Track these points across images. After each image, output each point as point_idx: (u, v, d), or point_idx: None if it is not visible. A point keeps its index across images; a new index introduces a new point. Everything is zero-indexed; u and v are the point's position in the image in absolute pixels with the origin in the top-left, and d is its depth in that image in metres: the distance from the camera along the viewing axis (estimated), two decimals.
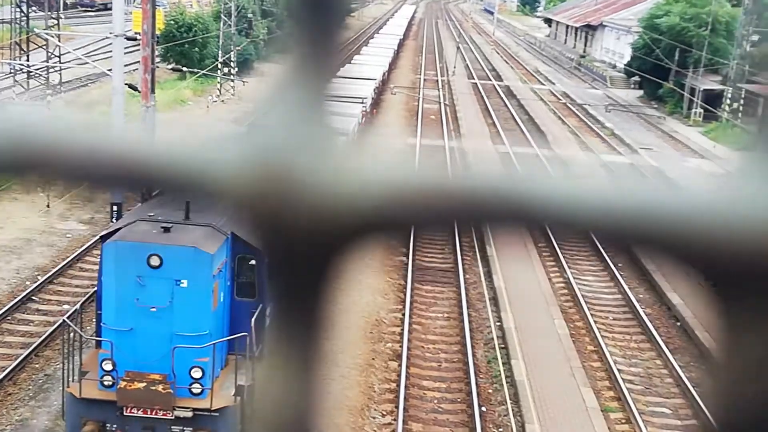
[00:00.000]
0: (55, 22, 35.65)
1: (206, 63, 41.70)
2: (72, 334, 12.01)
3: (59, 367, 13.86)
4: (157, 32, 27.34)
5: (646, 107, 50.79)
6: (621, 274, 22.17)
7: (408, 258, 22.25)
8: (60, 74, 34.01)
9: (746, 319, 0.53)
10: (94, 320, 13.02)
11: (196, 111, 38.74)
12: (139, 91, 21.43)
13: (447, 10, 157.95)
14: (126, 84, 22.40)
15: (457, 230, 0.57)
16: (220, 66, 41.61)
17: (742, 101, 43.18)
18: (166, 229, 11.82)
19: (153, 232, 11.84)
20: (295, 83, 0.56)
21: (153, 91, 21.24)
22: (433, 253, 23.30)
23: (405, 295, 19.85)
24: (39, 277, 19.03)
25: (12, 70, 34.04)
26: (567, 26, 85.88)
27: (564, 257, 23.11)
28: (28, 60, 33.77)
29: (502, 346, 17.48)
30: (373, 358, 16.65)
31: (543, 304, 19.93)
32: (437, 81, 56.06)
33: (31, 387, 14.67)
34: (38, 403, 14.12)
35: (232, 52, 41.87)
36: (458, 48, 69.06)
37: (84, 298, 16.66)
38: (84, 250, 20.62)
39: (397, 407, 14.73)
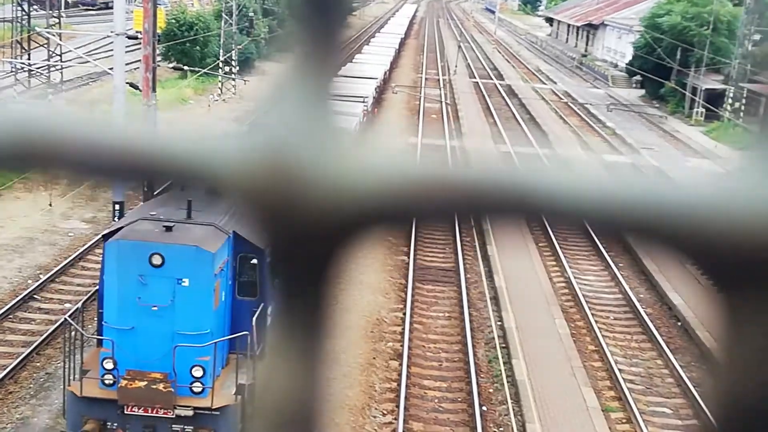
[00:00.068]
0: (57, 20, 35.67)
1: (207, 62, 41.70)
2: (73, 333, 12.02)
3: (60, 366, 13.87)
4: (159, 31, 27.35)
5: (648, 107, 50.76)
6: (622, 274, 22.16)
7: (409, 257, 22.25)
8: (61, 73, 34.04)
9: (747, 312, 0.53)
10: (95, 319, 13.03)
11: (197, 110, 38.75)
12: (140, 90, 21.44)
13: (448, 9, 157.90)
14: (127, 83, 22.40)
15: (459, 222, 0.57)
16: (221, 65, 41.61)
17: (743, 101, 43.16)
18: (168, 228, 11.83)
19: (155, 231, 11.85)
20: (298, 79, 0.56)
21: (154, 90, 21.25)
22: (434, 252, 23.30)
23: (406, 294, 19.85)
24: (41, 276, 19.05)
25: (13, 69, 34.05)
26: (568, 25, 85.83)
27: (565, 257, 23.11)
28: (29, 58, 33.78)
29: (503, 345, 17.48)
30: (374, 358, 16.66)
31: (544, 303, 19.93)
32: (439, 80, 56.05)
33: (32, 385, 14.69)
34: (39, 402, 14.14)
35: (233, 51, 41.89)
36: (459, 47, 69.05)
37: (86, 297, 16.66)
38: (86, 249, 20.63)
39: (397, 406, 14.73)
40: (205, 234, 12.01)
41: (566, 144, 38.10)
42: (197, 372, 11.66)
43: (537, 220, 0.56)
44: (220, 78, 41.95)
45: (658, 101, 51.71)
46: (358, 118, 26.63)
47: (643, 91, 54.68)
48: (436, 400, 15.37)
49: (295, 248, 0.56)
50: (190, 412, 11.60)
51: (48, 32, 31.71)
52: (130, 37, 22.90)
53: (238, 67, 42.53)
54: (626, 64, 58.87)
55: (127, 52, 22.15)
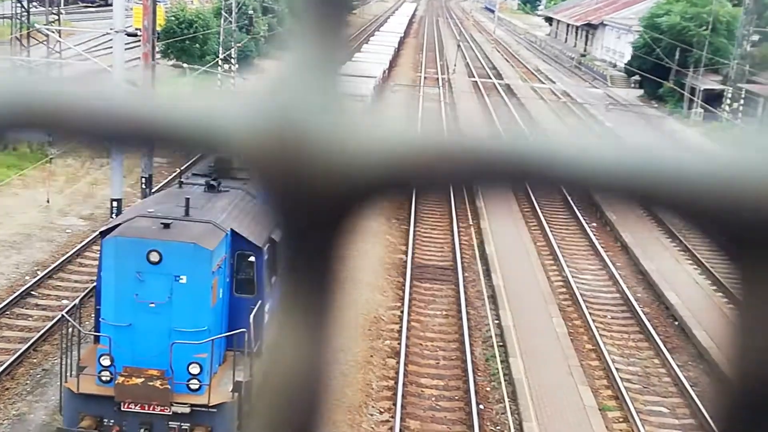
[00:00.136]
0: (56, 17, 35.64)
1: (207, 59, 41.67)
2: (70, 329, 12.02)
3: (57, 362, 13.87)
4: (158, 28, 27.32)
5: (647, 106, 50.78)
6: (619, 273, 22.18)
7: (407, 255, 22.26)
8: (60, 70, 33.98)
9: (763, 277, 0.52)
10: (92, 315, 13.02)
11: None
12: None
13: (448, 8, 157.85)
14: (126, 80, 22.35)
15: (463, 191, 0.57)
16: (220, 62, 41.59)
17: (742, 101, 43.18)
18: (166, 226, 11.83)
19: (153, 228, 11.85)
20: (305, 48, 0.57)
21: (153, 88, 21.21)
22: (431, 250, 23.31)
23: (404, 292, 19.86)
24: (38, 272, 19.03)
25: (12, 66, 34.00)
26: (568, 25, 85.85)
27: (563, 256, 23.13)
28: (28, 55, 33.73)
29: (501, 344, 17.49)
30: (372, 356, 16.66)
31: (541, 302, 19.95)
32: (438, 79, 56.05)
33: (28, 382, 14.68)
34: (36, 398, 14.13)
35: (232, 49, 41.86)
36: (459, 46, 69.05)
37: (83, 294, 16.65)
38: (83, 246, 20.62)
39: (395, 405, 14.74)
40: (203, 231, 12.01)
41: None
42: (194, 369, 11.66)
43: (544, 190, 0.56)
44: (219, 76, 41.91)
45: (656, 101, 51.74)
46: None
47: (641, 91, 54.70)
48: (434, 399, 15.38)
49: (301, 218, 0.57)
50: (187, 409, 11.60)
51: (47, 29, 31.68)
52: (129, 35, 22.88)
53: (237, 65, 42.49)
54: (625, 64, 58.88)
55: (126, 49, 22.13)
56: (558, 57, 76.63)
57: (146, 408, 11.58)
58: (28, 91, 0.58)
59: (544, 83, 59.22)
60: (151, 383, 11.51)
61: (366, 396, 15.10)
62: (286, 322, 0.58)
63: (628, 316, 19.93)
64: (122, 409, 11.58)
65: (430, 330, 18.28)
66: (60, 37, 33.43)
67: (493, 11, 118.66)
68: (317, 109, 0.56)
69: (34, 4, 37.41)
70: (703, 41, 46.93)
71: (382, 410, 14.77)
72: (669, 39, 48.39)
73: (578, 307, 19.85)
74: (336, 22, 0.57)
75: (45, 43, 33.29)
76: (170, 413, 11.59)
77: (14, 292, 17.82)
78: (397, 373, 15.87)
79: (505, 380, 15.96)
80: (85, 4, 62.70)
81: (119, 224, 12.30)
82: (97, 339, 12.39)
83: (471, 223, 25.47)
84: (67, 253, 20.17)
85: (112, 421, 11.66)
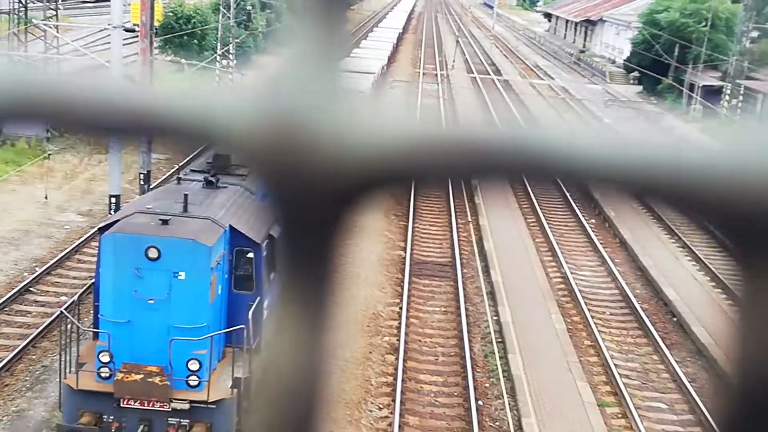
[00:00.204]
0: (54, 12, 35.58)
1: (205, 55, 41.62)
2: (69, 326, 12.01)
3: (56, 359, 13.87)
4: (156, 24, 27.29)
5: (646, 103, 50.78)
6: (618, 270, 22.19)
7: (405, 252, 22.26)
8: (58, 65, 33.93)
9: (763, 275, 0.52)
10: (91, 312, 13.02)
11: None
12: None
13: (446, 3, 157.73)
14: (124, 76, 22.35)
15: (462, 185, 0.57)
16: (218, 58, 41.54)
17: (741, 97, 43.18)
18: (165, 222, 11.82)
19: (151, 224, 11.84)
20: (305, 41, 0.56)
21: (151, 83, 21.19)
22: (430, 246, 23.32)
23: (402, 288, 19.86)
24: (37, 269, 19.03)
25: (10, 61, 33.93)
26: (567, 21, 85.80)
27: (561, 252, 23.14)
28: (26, 51, 33.69)
29: (500, 340, 17.50)
30: (370, 352, 16.67)
31: (540, 298, 19.96)
32: (436, 75, 56.02)
33: (28, 378, 14.68)
34: (35, 395, 14.14)
35: (230, 45, 41.81)
36: (457, 42, 69.01)
37: (82, 290, 16.66)
38: (82, 242, 20.61)
39: (393, 401, 14.76)
40: (202, 227, 12.00)
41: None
42: (193, 365, 11.66)
43: (541, 182, 0.56)
44: (217, 71, 41.87)
45: (655, 97, 51.74)
46: None
47: (640, 88, 54.70)
48: (433, 395, 15.39)
49: (300, 212, 0.57)
50: (186, 406, 11.60)
51: (45, 25, 31.63)
52: (127, 30, 22.86)
53: (235, 61, 42.44)
54: (624, 60, 58.87)
55: (124, 45, 22.10)
56: (557, 53, 76.59)
57: (145, 404, 11.58)
58: (28, 82, 0.58)
59: (542, 79, 59.20)
60: (150, 379, 11.52)
61: (365, 392, 15.11)
62: (284, 319, 0.58)
63: (626, 312, 19.95)
64: (121, 405, 11.59)
65: (429, 326, 18.29)
66: (58, 32, 33.38)
67: (491, 7, 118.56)
68: (316, 104, 0.56)
69: None
70: (702, 37, 46.92)
71: (381, 406, 14.79)
72: (668, 35, 48.37)
73: (577, 303, 19.87)
74: (334, 18, 0.57)
75: (43, 38, 33.24)
76: (169, 409, 11.60)
77: (13, 289, 17.82)
78: (396, 369, 15.88)
79: (504, 376, 15.97)
80: (82, 0, 62.60)
81: (118, 220, 12.28)
82: (96, 335, 12.39)
83: (470, 219, 25.47)
84: (66, 249, 20.16)
85: (111, 417, 11.66)
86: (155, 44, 28.36)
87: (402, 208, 25.19)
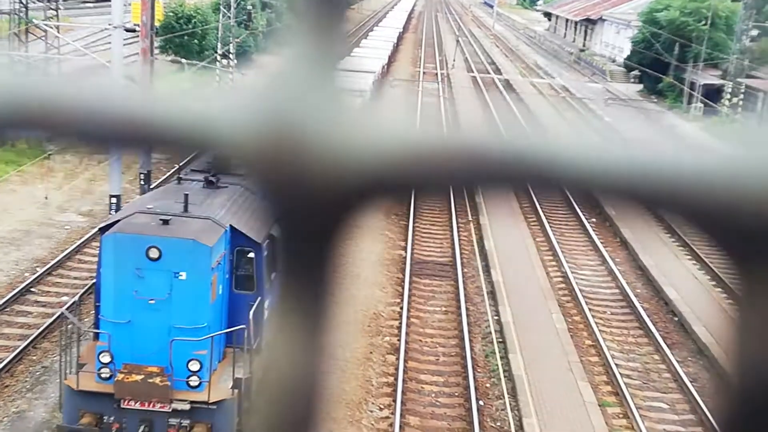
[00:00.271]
0: (54, 13, 35.58)
1: (205, 55, 41.62)
2: (70, 326, 12.01)
3: (57, 359, 13.87)
4: (156, 24, 27.29)
5: (646, 101, 50.76)
6: (618, 269, 22.19)
7: (406, 251, 22.26)
8: (59, 66, 33.92)
9: (764, 281, 0.52)
10: (92, 312, 13.02)
11: None
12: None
13: (447, 3, 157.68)
14: (125, 76, 22.35)
15: (462, 193, 0.57)
16: (219, 58, 41.54)
17: (741, 96, 43.17)
18: (165, 222, 11.82)
19: (152, 224, 11.84)
20: (303, 48, 0.56)
21: (151, 84, 21.20)
22: (431, 246, 23.31)
23: (403, 288, 19.86)
24: (38, 269, 19.03)
25: (11, 62, 33.96)
26: (567, 20, 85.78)
27: (562, 251, 23.13)
28: (26, 51, 33.69)
29: (500, 340, 17.50)
30: (371, 352, 16.67)
31: (541, 298, 19.95)
32: (437, 74, 56.01)
33: (28, 379, 14.68)
34: (35, 395, 14.13)
35: (231, 44, 41.81)
36: (458, 41, 68.99)
37: (83, 290, 16.66)
38: (83, 242, 20.61)
39: (394, 401, 14.75)
40: (202, 227, 12.00)
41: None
42: (194, 366, 11.66)
43: (545, 190, 0.56)
44: (217, 71, 41.86)
45: (656, 96, 51.73)
46: None
47: (641, 86, 54.68)
48: (433, 395, 15.39)
49: (299, 218, 0.57)
50: (187, 406, 11.60)
51: (46, 25, 31.63)
52: (128, 30, 22.86)
53: (235, 61, 42.43)
54: (624, 59, 58.85)
55: (125, 45, 22.10)
56: (557, 52, 76.57)
57: (146, 405, 11.58)
58: (25, 89, 0.58)
59: (543, 78, 59.18)
60: (150, 380, 11.51)
61: (366, 392, 15.11)
62: (285, 319, 0.58)
63: (627, 311, 19.94)
64: (122, 406, 11.58)
65: (429, 326, 18.29)
66: (58, 32, 33.39)
67: (492, 6, 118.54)
68: (316, 105, 0.56)
69: None
70: (702, 36, 46.90)
71: (381, 406, 14.79)
72: (668, 34, 48.35)
73: (578, 302, 19.86)
74: (334, 18, 0.57)
75: (43, 38, 33.24)
76: (170, 410, 11.59)
77: (14, 289, 17.81)
78: (396, 369, 15.88)
79: (504, 376, 15.97)
80: (83, 0, 62.60)
81: (118, 220, 12.28)
82: (96, 336, 12.39)
83: (470, 218, 25.47)
84: (67, 249, 20.16)
85: (111, 418, 11.66)
86: (156, 44, 28.36)
87: (402, 208, 25.19)
